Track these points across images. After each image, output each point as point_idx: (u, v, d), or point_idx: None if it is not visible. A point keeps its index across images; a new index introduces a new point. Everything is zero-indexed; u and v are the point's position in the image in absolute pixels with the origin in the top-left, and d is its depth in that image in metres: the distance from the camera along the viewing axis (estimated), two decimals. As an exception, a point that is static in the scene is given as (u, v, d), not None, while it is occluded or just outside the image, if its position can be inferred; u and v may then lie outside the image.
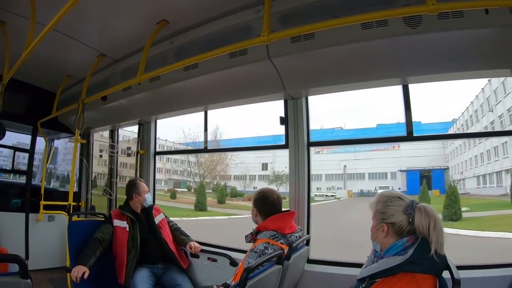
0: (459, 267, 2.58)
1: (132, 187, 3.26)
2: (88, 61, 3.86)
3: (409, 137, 2.74)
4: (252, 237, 2.45)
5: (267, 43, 2.30)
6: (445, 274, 1.54)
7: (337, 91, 2.93)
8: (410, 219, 1.53)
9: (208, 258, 3.19)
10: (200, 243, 3.26)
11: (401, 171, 20.98)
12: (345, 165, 21.81)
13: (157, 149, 4.14)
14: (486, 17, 2.19)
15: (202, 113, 3.63)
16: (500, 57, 2.42)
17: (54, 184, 6.96)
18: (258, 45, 2.45)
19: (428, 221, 1.48)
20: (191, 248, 3.17)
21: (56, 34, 3.24)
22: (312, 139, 2.99)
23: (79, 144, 4.00)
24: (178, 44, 3.13)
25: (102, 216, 3.62)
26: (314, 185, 20.53)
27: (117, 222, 3.13)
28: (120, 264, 3.01)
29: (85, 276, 2.67)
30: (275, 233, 2.34)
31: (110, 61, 3.87)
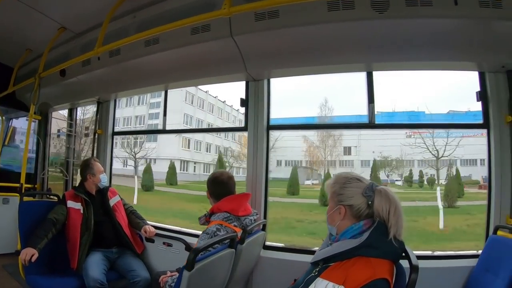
0: (420, 257, 2.64)
1: (86, 167, 3.11)
2: (48, 35, 3.67)
3: (372, 124, 2.74)
4: (206, 219, 2.39)
5: (229, 17, 2.23)
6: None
7: (300, 74, 2.89)
8: (369, 202, 1.47)
9: (164, 243, 3.10)
10: (155, 227, 3.15)
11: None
12: (437, 151, 20.73)
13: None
14: (455, 8, 2.20)
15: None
16: (466, 50, 2.46)
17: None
18: (221, 21, 2.39)
19: (388, 205, 1.42)
20: (146, 232, 3.06)
21: (15, 3, 3.09)
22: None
23: (36, 123, 3.82)
24: (140, 19, 3.03)
25: (55, 197, 3.44)
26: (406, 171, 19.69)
27: (71, 204, 2.99)
28: (72, 248, 2.88)
29: (33, 259, 2.52)
30: (228, 215, 2.29)
31: (72, 35, 3.70)
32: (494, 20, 2.21)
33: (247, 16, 2.42)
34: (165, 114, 3.55)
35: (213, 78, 3.09)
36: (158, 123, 22.30)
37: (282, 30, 2.44)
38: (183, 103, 22.84)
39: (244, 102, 3.04)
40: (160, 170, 21.31)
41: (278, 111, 3.14)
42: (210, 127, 26.04)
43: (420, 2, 2.24)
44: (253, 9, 2.26)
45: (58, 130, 4.76)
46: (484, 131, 2.66)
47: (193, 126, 22.80)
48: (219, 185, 2.43)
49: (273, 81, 3.05)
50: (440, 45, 2.44)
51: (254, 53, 2.70)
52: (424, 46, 2.46)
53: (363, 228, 1.45)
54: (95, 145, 3.92)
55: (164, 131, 3.65)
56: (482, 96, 2.65)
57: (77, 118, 4.52)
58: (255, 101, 2.98)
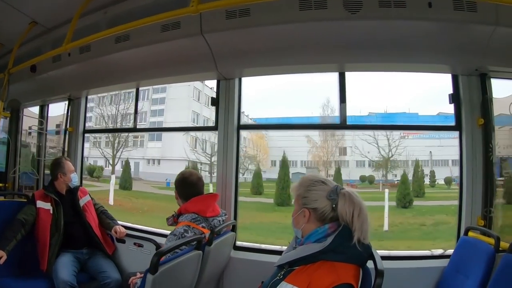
0: (391, 258, 2.66)
1: (56, 166, 3.03)
2: (19, 29, 3.54)
3: (343, 125, 2.75)
4: (174, 219, 2.36)
5: (197, 14, 2.19)
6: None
7: (272, 74, 2.90)
8: (334, 205, 1.45)
9: (135, 243, 3.05)
10: (126, 228, 3.10)
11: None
12: (430, 151, 20.84)
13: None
14: (429, 11, 2.22)
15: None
16: (440, 52, 2.48)
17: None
18: (191, 18, 2.35)
19: (352, 208, 1.40)
20: (116, 233, 3.01)
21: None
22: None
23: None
24: (111, 15, 2.98)
25: (24, 197, 3.35)
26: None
27: (40, 204, 2.92)
28: (42, 249, 2.82)
29: (1, 261, 2.47)
30: (196, 216, 2.26)
31: (43, 30, 3.60)
32: (468, 23, 2.24)
33: (217, 14, 2.40)
34: (136, 112, 3.49)
35: (184, 77, 3.06)
36: (162, 120, 21.15)
37: (253, 29, 2.43)
38: (191, 99, 21.54)
39: (214, 101, 3.01)
40: (167, 172, 19.45)
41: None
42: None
43: (394, 3, 2.25)
44: (222, 6, 2.23)
45: (30, 128, 4.61)
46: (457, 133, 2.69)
47: (200, 124, 22.06)
48: (188, 186, 2.39)
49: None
50: (413, 47, 2.46)
51: (225, 52, 2.68)
52: (397, 47, 2.47)
53: (328, 231, 1.43)
54: (66, 143, 3.83)
55: (134, 130, 3.59)
56: (454, 98, 2.68)
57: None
58: (226, 100, 2.95)
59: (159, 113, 22.15)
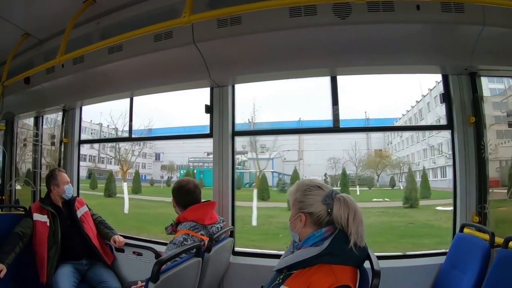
0: (389, 257, 2.69)
1: (50, 178, 3.02)
2: (12, 41, 3.53)
3: (336, 128, 2.78)
4: (173, 228, 2.38)
5: (189, 24, 2.20)
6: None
7: (265, 80, 2.92)
8: (329, 210, 1.47)
9: (134, 252, 3.05)
10: (124, 237, 3.11)
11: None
12: None
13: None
14: (418, 13, 2.25)
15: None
16: (430, 53, 2.51)
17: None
18: (183, 27, 2.37)
19: (347, 212, 1.42)
20: (115, 242, 3.01)
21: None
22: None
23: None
24: (104, 26, 2.99)
25: (22, 209, 3.33)
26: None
27: (37, 216, 2.90)
28: (41, 262, 2.80)
29: (2, 274, 2.46)
30: (195, 224, 2.28)
31: (35, 42, 3.59)
32: (456, 24, 2.29)
33: (209, 23, 2.42)
34: (131, 120, 3.48)
35: (178, 85, 3.07)
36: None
37: (244, 37, 2.46)
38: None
39: (208, 109, 3.02)
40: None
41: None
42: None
43: (382, 7, 2.28)
44: (213, 16, 2.25)
45: (24, 139, 4.58)
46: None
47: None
48: (186, 194, 2.41)
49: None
50: (403, 49, 2.49)
51: (218, 60, 2.70)
52: (387, 50, 2.50)
53: (325, 235, 1.45)
54: (61, 154, 3.82)
55: (130, 139, 3.59)
56: (445, 98, 2.71)
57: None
58: (220, 108, 2.97)
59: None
